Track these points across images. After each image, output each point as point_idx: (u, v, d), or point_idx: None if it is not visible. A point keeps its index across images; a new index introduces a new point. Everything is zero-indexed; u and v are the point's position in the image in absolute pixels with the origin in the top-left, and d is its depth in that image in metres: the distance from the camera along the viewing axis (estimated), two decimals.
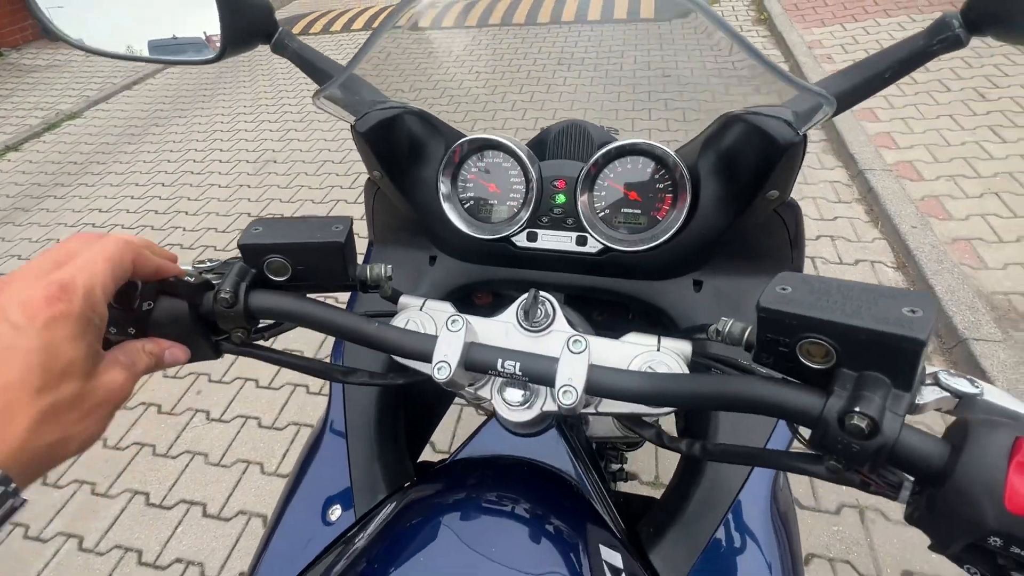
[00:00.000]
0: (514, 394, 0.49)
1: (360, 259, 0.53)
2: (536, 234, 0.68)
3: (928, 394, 0.34)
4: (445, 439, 1.89)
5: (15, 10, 6.42)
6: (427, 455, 0.81)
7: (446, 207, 0.67)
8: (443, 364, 0.43)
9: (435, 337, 0.44)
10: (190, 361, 0.46)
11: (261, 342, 0.51)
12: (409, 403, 0.75)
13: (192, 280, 0.44)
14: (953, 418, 0.33)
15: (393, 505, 0.50)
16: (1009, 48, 3.47)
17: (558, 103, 3.75)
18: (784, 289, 0.34)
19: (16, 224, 3.50)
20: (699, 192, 0.61)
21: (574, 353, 0.43)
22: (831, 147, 3.12)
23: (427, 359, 0.44)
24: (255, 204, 3.37)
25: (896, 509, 1.56)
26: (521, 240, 0.69)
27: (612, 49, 4.05)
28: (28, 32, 6.72)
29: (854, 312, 0.31)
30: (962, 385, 0.34)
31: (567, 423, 0.60)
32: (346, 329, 0.45)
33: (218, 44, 0.55)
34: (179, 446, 2.03)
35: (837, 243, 2.50)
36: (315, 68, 0.61)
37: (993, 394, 0.34)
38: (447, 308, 0.53)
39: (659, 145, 0.59)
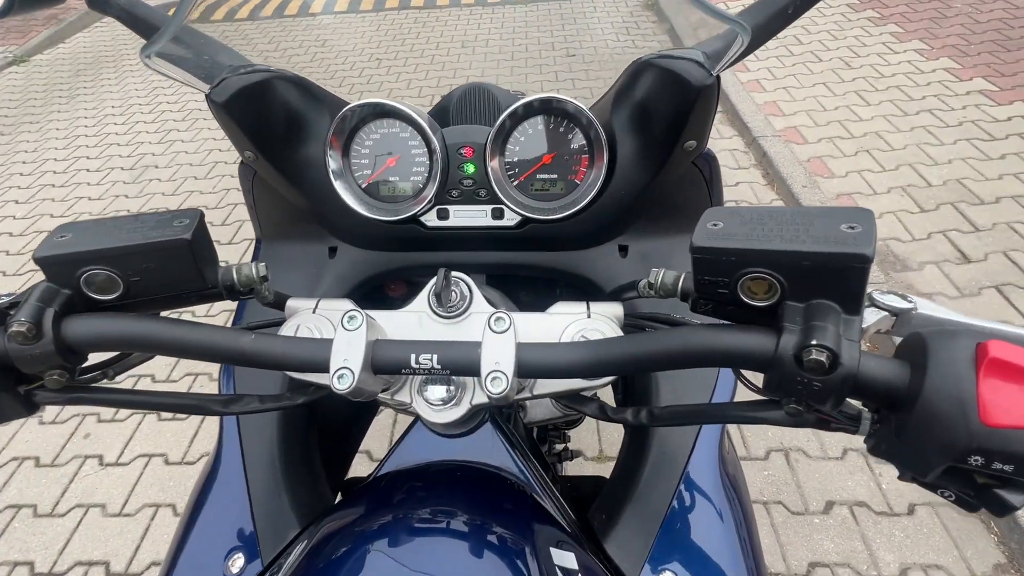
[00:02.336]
0: (436, 391, 0.43)
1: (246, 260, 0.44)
2: (447, 211, 0.61)
3: (869, 316, 0.32)
4: (383, 444, 1.78)
5: None
6: (365, 466, 0.72)
7: (338, 186, 0.58)
8: (344, 371, 0.36)
9: (330, 341, 0.37)
10: None
11: (106, 382, 0.40)
12: (326, 417, 0.66)
13: None
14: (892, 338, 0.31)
15: (304, 543, 0.42)
16: (865, 21, 3.87)
17: (458, 77, 3.67)
18: (716, 225, 0.31)
19: None
20: (615, 151, 0.57)
21: (497, 333, 0.37)
22: (727, 118, 3.31)
23: (324, 369, 0.36)
24: None
25: (815, 445, 1.69)
26: (431, 219, 0.62)
27: (515, 30, 4.01)
28: None
29: (793, 237, 0.29)
30: (896, 302, 0.33)
31: (502, 414, 0.55)
32: (208, 348, 0.36)
33: None
34: (67, 501, 1.75)
35: (741, 206, 2.66)
36: (150, 26, 0.49)
37: (927, 307, 0.33)
38: (344, 305, 0.45)
39: (571, 100, 0.55)
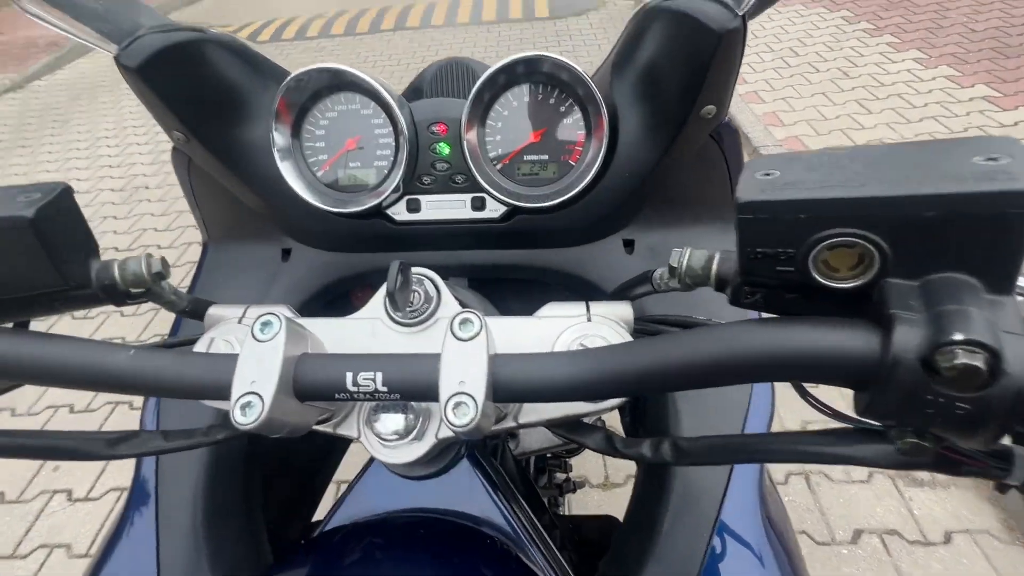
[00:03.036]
0: (390, 422, 0.33)
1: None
2: (419, 201, 0.52)
3: None
4: None
5: None
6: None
7: (285, 169, 0.48)
8: (250, 399, 0.26)
9: (235, 357, 0.27)
10: None
11: None
12: (287, 449, 0.55)
13: None
14: None
15: None
16: (860, 32, 3.85)
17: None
18: (768, 174, 0.21)
19: None
20: (617, 123, 0.48)
21: (463, 340, 0.27)
22: None
23: (226, 395, 0.26)
24: (124, 236, 2.91)
25: (838, 467, 1.56)
26: (399, 212, 0.52)
27: (510, 49, 4.02)
28: None
29: (897, 179, 0.19)
30: None
31: (485, 447, 0.44)
32: (63, 368, 0.26)
33: None
34: (31, 540, 1.62)
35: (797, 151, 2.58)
36: (93, 26, 0.40)
37: None
38: (279, 311, 0.35)
39: (562, 59, 0.46)
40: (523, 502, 0.43)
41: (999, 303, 0.18)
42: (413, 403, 0.33)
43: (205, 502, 0.44)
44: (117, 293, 0.31)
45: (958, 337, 0.17)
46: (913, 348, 0.18)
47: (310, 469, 0.64)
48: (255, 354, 0.27)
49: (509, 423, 0.34)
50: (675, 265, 0.29)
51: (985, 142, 0.19)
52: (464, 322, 0.28)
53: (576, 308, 0.35)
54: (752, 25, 0.42)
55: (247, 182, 0.50)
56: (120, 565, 0.41)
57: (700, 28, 0.39)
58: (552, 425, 0.35)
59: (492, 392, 0.27)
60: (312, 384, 0.28)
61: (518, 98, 0.49)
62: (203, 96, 0.46)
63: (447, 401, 0.26)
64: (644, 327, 0.38)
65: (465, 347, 0.27)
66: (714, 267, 0.28)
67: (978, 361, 0.17)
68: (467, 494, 0.39)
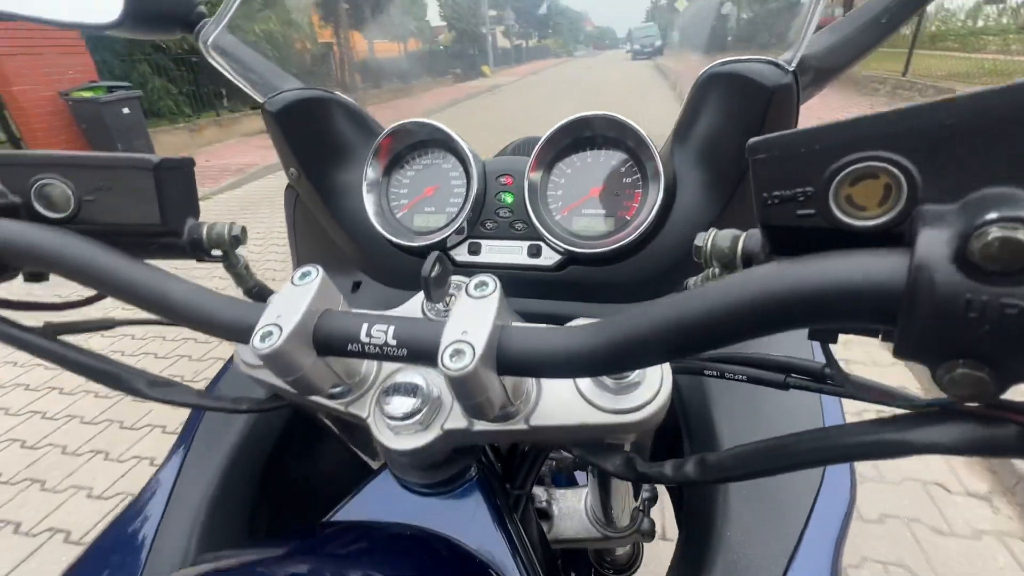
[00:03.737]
0: (400, 404, 0.32)
1: None
2: (479, 245, 0.55)
3: None
4: None
5: None
6: None
7: (368, 201, 0.55)
8: (271, 328, 0.27)
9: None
10: None
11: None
12: (306, 461, 0.54)
13: None
14: None
15: None
16: None
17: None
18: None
19: None
20: (675, 181, 0.49)
21: (475, 298, 0.27)
22: None
23: (247, 336, 0.28)
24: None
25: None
26: (461, 253, 0.55)
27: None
28: None
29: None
30: None
31: (497, 479, 0.40)
32: (128, 283, 0.30)
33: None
34: None
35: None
36: (249, 79, 0.54)
37: None
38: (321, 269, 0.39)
39: (621, 118, 0.49)
40: (532, 556, 0.36)
41: None
42: (423, 388, 0.32)
43: (219, 480, 0.43)
44: (200, 249, 0.36)
45: (993, 216, 0.14)
46: (942, 244, 0.15)
47: (326, 485, 0.62)
48: (287, 296, 0.29)
49: (519, 424, 0.31)
50: (700, 245, 0.28)
51: None
52: (480, 284, 0.28)
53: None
54: None
55: (336, 216, 0.58)
56: (124, 533, 0.40)
57: (753, 86, 0.41)
58: (568, 437, 0.32)
59: (499, 353, 0.26)
60: (329, 335, 0.28)
61: (582, 160, 0.53)
62: (318, 141, 0.56)
63: (446, 348, 0.25)
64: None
65: (476, 304, 0.27)
66: (740, 245, 0.26)
67: (1021, 234, 0.14)
68: (469, 520, 0.34)
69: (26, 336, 0.34)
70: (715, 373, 0.37)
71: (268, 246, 4.46)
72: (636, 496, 0.56)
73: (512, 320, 0.28)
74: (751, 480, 0.40)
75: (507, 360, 0.26)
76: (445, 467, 0.35)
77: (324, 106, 0.55)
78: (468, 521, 0.34)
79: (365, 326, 0.28)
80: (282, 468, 0.50)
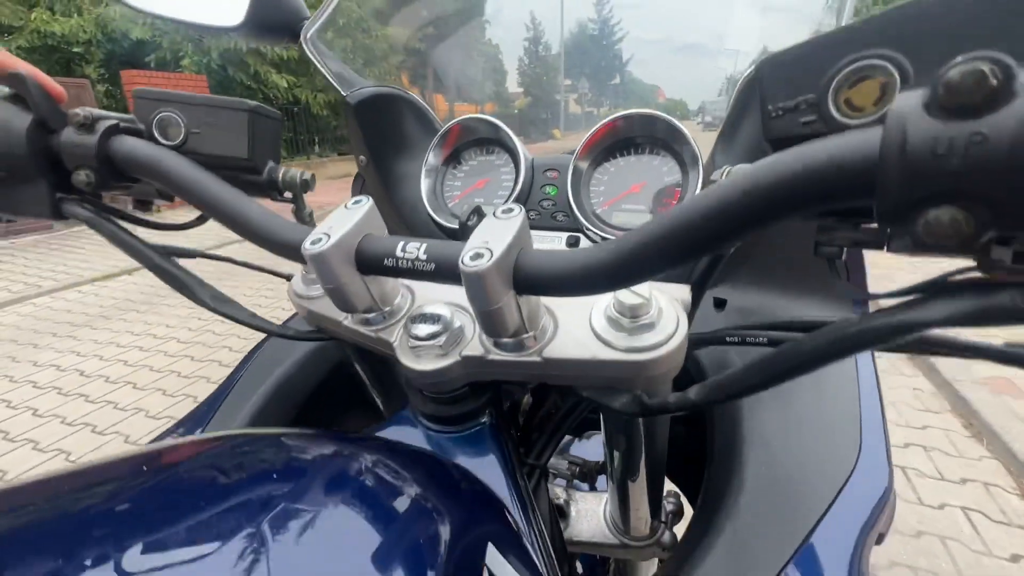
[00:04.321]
0: (424, 328, 0.34)
1: None
2: None
3: None
4: None
5: None
6: None
7: (424, 186, 0.59)
8: (322, 236, 0.31)
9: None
10: (15, 213, 0.37)
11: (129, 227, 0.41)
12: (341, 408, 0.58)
13: (44, 88, 0.36)
14: None
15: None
16: None
17: None
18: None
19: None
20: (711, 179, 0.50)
21: (500, 219, 0.30)
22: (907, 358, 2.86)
23: (297, 252, 0.32)
24: None
25: None
26: None
27: None
28: None
29: None
30: None
31: (510, 434, 0.40)
32: (212, 199, 0.35)
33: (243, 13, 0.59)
34: None
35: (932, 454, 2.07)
36: (336, 74, 0.63)
37: None
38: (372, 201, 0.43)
39: (669, 118, 0.51)
40: (537, 511, 0.35)
41: None
42: (446, 317, 0.34)
43: (258, 409, 0.47)
44: (275, 188, 0.41)
45: (959, 59, 0.15)
46: (914, 98, 0.16)
47: None
48: (338, 215, 0.33)
49: (534, 356, 0.32)
50: (716, 179, 0.29)
51: None
52: (507, 209, 0.30)
53: None
54: None
55: (395, 201, 0.63)
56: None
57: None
58: (580, 373, 0.32)
59: (516, 269, 0.28)
60: (370, 251, 0.32)
61: (625, 158, 0.56)
62: (387, 133, 0.62)
63: (467, 252, 0.27)
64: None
65: (500, 223, 0.29)
66: None
67: (982, 65, 0.14)
68: (481, 461, 0.35)
69: (144, 249, 0.40)
70: (736, 340, 0.37)
71: None
72: (658, 507, 0.53)
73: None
74: (770, 464, 0.38)
75: (523, 277, 0.28)
76: (460, 403, 0.36)
77: (396, 102, 0.62)
78: (480, 462, 0.35)
79: (401, 243, 0.31)
80: (315, 417, 0.53)
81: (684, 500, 0.57)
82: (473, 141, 0.62)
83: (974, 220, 0.15)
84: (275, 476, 0.27)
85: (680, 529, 0.54)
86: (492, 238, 0.28)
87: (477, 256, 0.27)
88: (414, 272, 0.31)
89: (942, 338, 0.23)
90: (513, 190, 0.58)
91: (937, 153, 0.15)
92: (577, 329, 0.32)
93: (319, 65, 0.60)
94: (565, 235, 0.56)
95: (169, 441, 0.33)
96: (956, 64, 0.15)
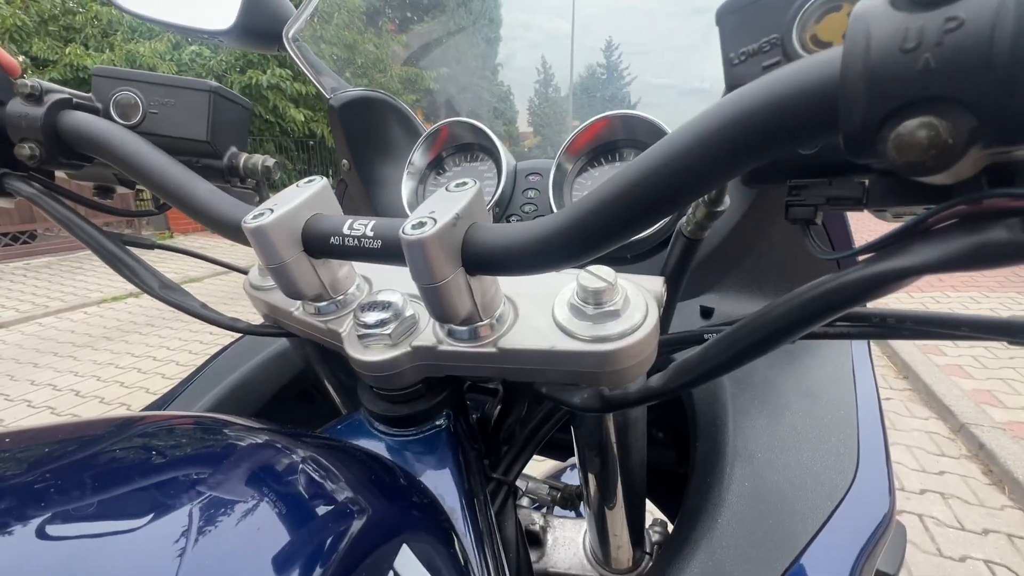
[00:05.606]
0: (374, 315, 0.32)
1: None
2: None
3: None
4: None
5: None
6: None
7: (406, 188, 0.58)
8: (265, 211, 0.29)
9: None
10: None
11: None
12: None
13: None
14: None
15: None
16: None
17: None
18: None
19: None
20: None
21: (452, 192, 0.28)
22: (918, 396, 2.76)
23: (239, 228, 0.30)
24: None
25: None
26: None
27: None
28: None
29: None
30: None
31: (472, 455, 0.37)
32: (155, 172, 0.34)
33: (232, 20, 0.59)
34: None
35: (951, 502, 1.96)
36: (322, 77, 0.63)
37: None
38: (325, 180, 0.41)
39: (648, 117, 0.50)
40: (495, 531, 0.31)
41: None
42: (397, 304, 0.32)
43: (220, 395, 0.45)
44: (236, 174, 0.40)
45: None
46: (876, 5, 0.14)
47: None
48: (287, 193, 0.31)
49: (488, 348, 0.29)
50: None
51: None
52: (461, 183, 0.28)
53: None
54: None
55: (377, 207, 0.61)
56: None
57: None
58: (538, 365, 0.29)
59: (463, 258, 0.25)
60: (317, 231, 0.30)
61: (611, 164, 0.54)
62: (370, 136, 0.62)
63: (409, 222, 0.25)
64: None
65: (451, 195, 0.27)
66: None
67: None
68: (430, 467, 0.31)
69: (95, 233, 0.38)
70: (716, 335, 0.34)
71: None
72: (640, 536, 0.48)
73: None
74: (755, 479, 0.34)
75: (472, 253, 0.25)
76: (413, 402, 0.33)
77: (380, 105, 0.61)
78: (431, 469, 0.32)
79: (349, 221, 0.29)
80: (274, 417, 0.50)
81: (672, 529, 0.52)
82: (458, 147, 0.61)
83: (953, 130, 0.13)
84: (200, 460, 0.25)
85: None
86: (438, 208, 0.26)
87: (419, 225, 0.25)
88: (361, 251, 0.28)
89: (917, 314, 0.20)
90: (494, 194, 0.56)
91: (905, 49, 0.13)
92: (538, 319, 0.30)
93: (302, 65, 0.60)
94: None
95: (112, 415, 0.31)
96: None
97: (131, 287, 4.48)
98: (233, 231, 0.32)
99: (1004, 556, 1.69)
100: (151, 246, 0.44)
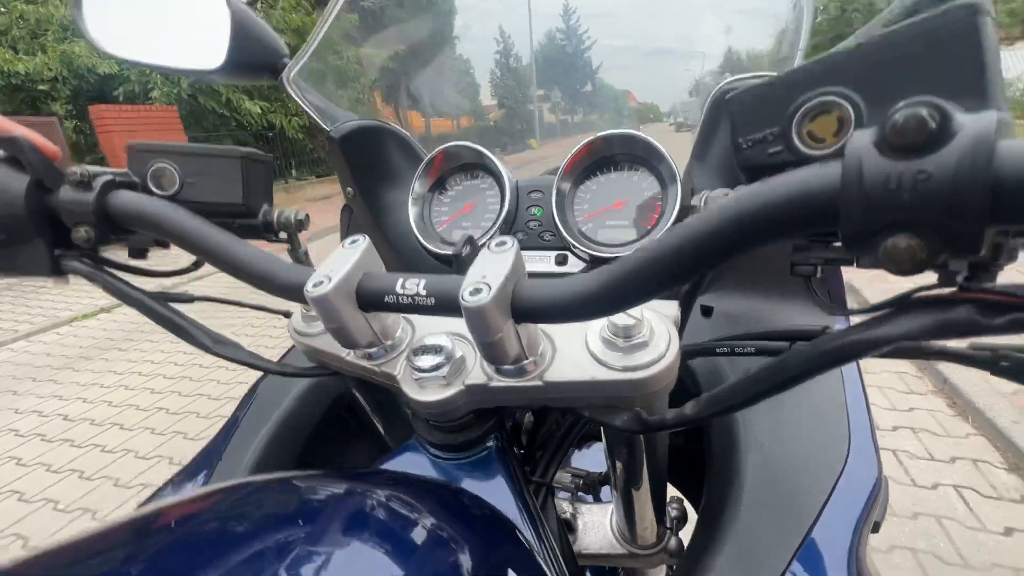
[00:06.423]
0: (427, 360, 0.35)
1: None
2: None
3: None
4: None
5: None
6: None
7: (412, 214, 0.61)
8: (323, 279, 0.32)
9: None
10: (14, 274, 0.37)
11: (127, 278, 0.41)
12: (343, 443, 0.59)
13: (40, 149, 0.37)
14: None
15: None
16: None
17: None
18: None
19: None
20: (692, 191, 0.52)
21: (495, 253, 0.31)
22: None
23: (299, 294, 0.33)
24: None
25: None
26: None
27: None
28: None
29: (861, 34, 0.21)
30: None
31: (515, 457, 0.41)
32: (208, 244, 0.36)
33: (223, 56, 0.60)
34: None
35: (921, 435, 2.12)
36: (319, 110, 0.64)
37: None
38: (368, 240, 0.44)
39: (646, 137, 0.53)
40: (547, 528, 0.36)
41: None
42: (448, 348, 0.35)
43: (262, 451, 0.47)
44: (270, 229, 0.42)
45: (901, 104, 0.17)
46: (867, 136, 0.18)
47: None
48: (336, 256, 0.34)
49: (535, 381, 0.33)
50: (696, 204, 0.30)
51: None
52: (501, 242, 0.32)
53: None
54: None
55: (383, 230, 0.64)
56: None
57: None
58: (580, 394, 0.33)
59: (514, 299, 0.29)
60: (370, 289, 0.33)
61: (606, 176, 0.58)
62: (372, 164, 0.64)
63: (467, 287, 0.28)
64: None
65: (495, 257, 0.30)
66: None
67: (922, 110, 0.16)
68: (490, 485, 0.36)
69: (144, 298, 0.40)
70: (726, 350, 0.38)
71: None
72: (662, 514, 0.54)
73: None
74: (766, 466, 0.39)
75: (521, 307, 0.29)
76: (466, 430, 0.37)
77: (379, 134, 0.63)
78: (489, 486, 0.36)
79: (400, 280, 0.32)
80: (320, 453, 0.53)
81: (687, 505, 0.58)
82: (457, 167, 0.64)
83: (927, 246, 0.17)
84: (289, 521, 0.28)
85: (685, 533, 0.55)
86: (489, 272, 0.29)
87: (476, 291, 0.28)
88: (415, 307, 0.32)
89: (913, 345, 0.24)
90: (500, 214, 0.59)
91: (889, 188, 0.17)
92: (575, 352, 0.34)
93: (303, 104, 0.61)
94: (553, 254, 0.57)
95: (177, 497, 0.33)
96: (899, 108, 0.17)
97: (101, 302, 4.30)
98: (291, 294, 0.34)
99: (971, 480, 1.86)
100: (190, 299, 0.46)
